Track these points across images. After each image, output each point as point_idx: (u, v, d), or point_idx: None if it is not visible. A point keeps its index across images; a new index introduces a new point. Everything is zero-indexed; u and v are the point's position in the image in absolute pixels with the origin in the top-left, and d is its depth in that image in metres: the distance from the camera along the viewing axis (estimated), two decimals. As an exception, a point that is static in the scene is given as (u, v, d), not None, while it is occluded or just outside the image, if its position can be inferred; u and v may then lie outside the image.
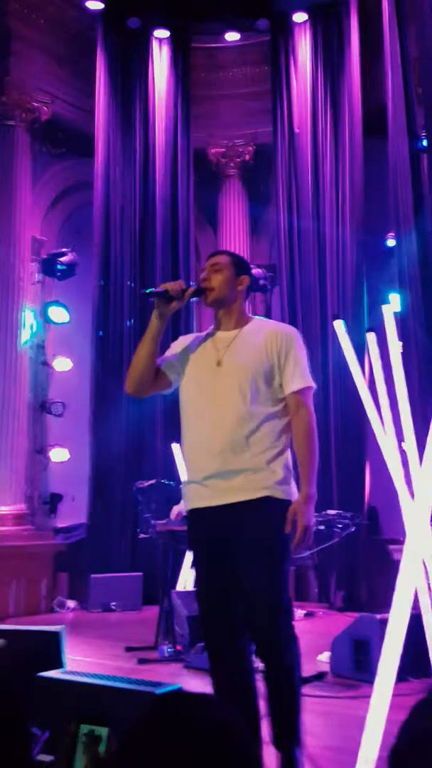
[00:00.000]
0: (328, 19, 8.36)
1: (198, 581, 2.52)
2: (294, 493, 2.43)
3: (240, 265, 2.62)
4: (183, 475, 2.64)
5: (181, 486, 2.65)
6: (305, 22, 8.45)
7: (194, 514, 2.48)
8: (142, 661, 4.77)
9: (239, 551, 2.36)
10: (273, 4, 8.46)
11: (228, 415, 2.39)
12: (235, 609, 2.40)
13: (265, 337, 2.49)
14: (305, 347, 2.56)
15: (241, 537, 2.36)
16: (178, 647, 4.91)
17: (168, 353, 2.64)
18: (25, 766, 1.04)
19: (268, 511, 2.35)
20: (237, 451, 2.36)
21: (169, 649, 4.87)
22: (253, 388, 2.40)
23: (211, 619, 2.44)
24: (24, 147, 8.30)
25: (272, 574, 2.34)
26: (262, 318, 2.73)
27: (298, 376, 2.45)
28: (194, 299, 2.58)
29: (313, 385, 2.51)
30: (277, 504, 2.37)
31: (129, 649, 5.13)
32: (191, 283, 2.57)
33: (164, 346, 2.67)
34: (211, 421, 2.41)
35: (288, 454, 2.46)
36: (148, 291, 2.53)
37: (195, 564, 2.53)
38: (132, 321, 8.22)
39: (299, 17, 8.44)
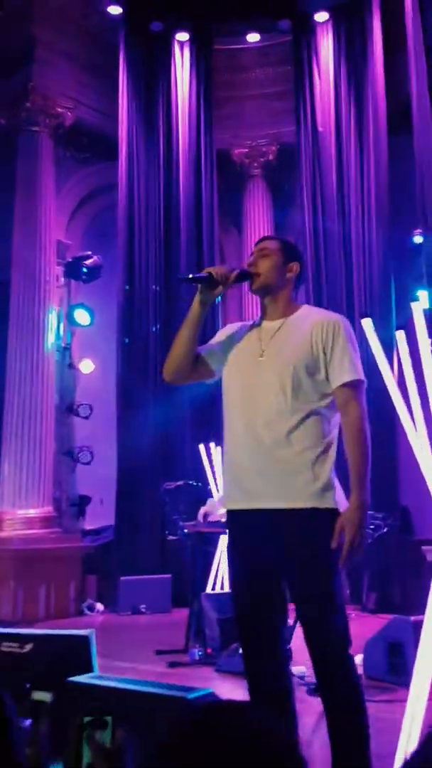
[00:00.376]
0: (350, 18, 8.31)
1: (234, 585, 2.40)
2: (341, 499, 2.26)
3: (290, 252, 2.47)
4: (223, 472, 2.50)
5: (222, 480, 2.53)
6: (327, 21, 8.41)
7: (233, 516, 2.37)
8: (172, 665, 4.75)
9: (283, 566, 2.25)
10: (294, 4, 8.42)
11: (268, 409, 2.27)
12: (274, 613, 2.29)
13: (310, 327, 2.33)
14: (355, 337, 2.39)
15: (284, 551, 2.23)
16: (209, 650, 4.88)
17: (212, 341, 2.52)
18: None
19: (314, 525, 2.20)
20: (276, 447, 2.23)
21: (199, 652, 4.85)
22: (295, 381, 2.26)
23: (247, 624, 2.33)
24: (48, 152, 8.37)
25: (324, 596, 2.19)
26: (311, 307, 2.55)
27: (347, 368, 2.28)
28: (238, 284, 2.41)
29: (364, 378, 2.34)
30: (324, 516, 2.21)
31: (159, 652, 5.11)
32: (235, 269, 2.40)
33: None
34: (250, 416, 2.30)
35: (333, 454, 2.30)
36: (190, 276, 2.40)
37: (231, 567, 2.43)
38: (158, 326, 8.23)
39: (321, 17, 8.40)
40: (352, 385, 2.29)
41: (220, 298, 2.42)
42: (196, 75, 8.81)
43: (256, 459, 2.27)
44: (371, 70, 8.06)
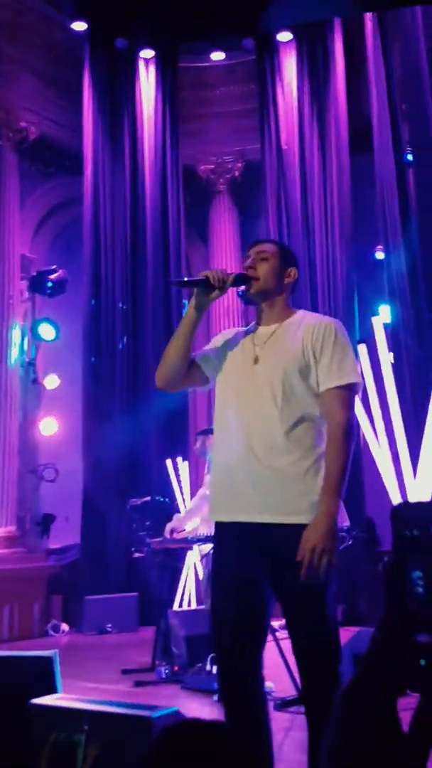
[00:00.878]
0: (313, 39, 8.44)
1: (219, 600, 2.30)
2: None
3: (288, 256, 2.41)
4: (212, 481, 2.40)
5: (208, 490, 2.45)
6: (290, 41, 8.53)
7: (222, 528, 2.29)
8: (138, 684, 4.69)
9: (274, 583, 2.20)
10: (258, 23, 8.54)
11: (261, 416, 2.21)
12: (256, 629, 2.24)
13: (303, 330, 2.27)
14: (348, 340, 2.32)
15: (276, 568, 2.18)
16: (176, 668, 4.83)
17: (207, 347, 2.46)
18: None
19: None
20: (269, 455, 2.17)
21: (166, 670, 4.80)
22: (287, 386, 2.20)
23: (226, 638, 2.25)
24: (12, 166, 8.33)
25: (319, 614, 2.14)
26: (306, 311, 2.46)
27: (335, 371, 2.20)
28: (235, 288, 2.34)
29: (357, 380, 2.25)
30: None
31: (125, 671, 5.05)
32: (232, 272, 2.33)
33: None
34: (241, 422, 2.23)
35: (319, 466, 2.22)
36: (185, 279, 2.32)
37: (217, 579, 2.31)
38: (124, 341, 8.22)
39: (284, 36, 8.52)
40: (340, 390, 2.21)
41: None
42: (161, 92, 8.85)
43: (249, 467, 2.20)
44: (333, 89, 8.19)
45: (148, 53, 8.79)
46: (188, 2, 8.78)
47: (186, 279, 2.28)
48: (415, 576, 0.72)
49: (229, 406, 2.32)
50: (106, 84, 8.67)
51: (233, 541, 2.25)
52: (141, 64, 8.82)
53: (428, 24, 5.71)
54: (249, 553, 2.21)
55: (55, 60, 8.77)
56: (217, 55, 9.06)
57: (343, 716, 0.78)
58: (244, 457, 2.22)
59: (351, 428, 2.20)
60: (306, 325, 2.29)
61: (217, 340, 2.47)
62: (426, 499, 2.82)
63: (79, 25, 8.38)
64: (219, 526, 2.32)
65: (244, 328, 2.47)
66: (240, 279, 2.31)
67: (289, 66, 8.55)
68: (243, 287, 2.35)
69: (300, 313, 2.39)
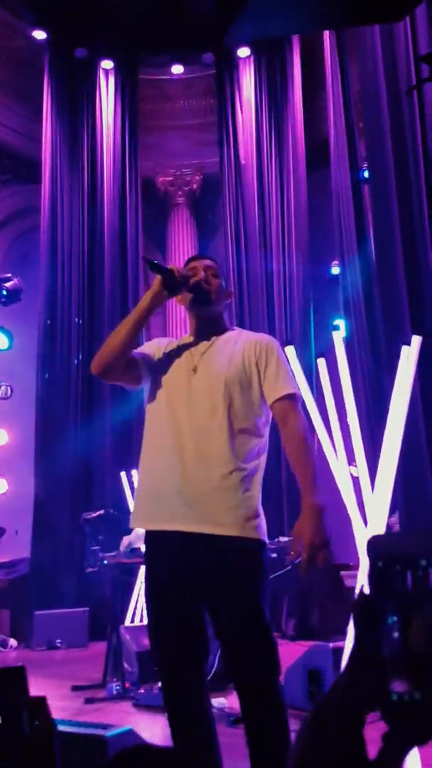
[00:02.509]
0: (271, 54, 8.55)
1: (153, 612, 2.28)
2: (263, 528, 2.22)
3: (224, 278, 2.51)
4: (138, 489, 2.39)
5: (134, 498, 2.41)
6: (249, 56, 8.62)
7: (152, 537, 2.28)
8: (89, 701, 4.59)
9: (205, 594, 2.18)
10: (217, 39, 8.60)
11: (195, 425, 2.21)
12: (195, 642, 2.21)
13: (242, 346, 2.33)
14: (286, 356, 2.43)
15: (206, 578, 2.16)
16: (127, 684, 4.75)
17: (142, 348, 2.46)
18: None
19: (240, 556, 2.15)
20: (203, 464, 2.17)
21: (117, 687, 4.71)
22: (227, 398, 2.23)
23: (166, 654, 2.23)
24: (-33, 173, 8.20)
25: (251, 625, 2.13)
26: (242, 329, 2.53)
27: (281, 382, 2.27)
28: (190, 292, 2.36)
29: (299, 392, 2.34)
30: (251, 547, 2.17)
31: (75, 688, 4.95)
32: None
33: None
34: (175, 430, 2.24)
35: (260, 479, 2.27)
36: (155, 262, 2.31)
37: (149, 592, 2.29)
38: (80, 357, 8.14)
39: (243, 52, 8.61)
40: (290, 398, 2.27)
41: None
42: (120, 102, 8.84)
43: (178, 476, 2.19)
44: (291, 105, 8.31)
45: (108, 64, 8.78)
46: (148, 15, 8.81)
47: (155, 262, 2.29)
48: (391, 621, 0.70)
49: (162, 414, 2.31)
50: (66, 93, 8.63)
51: (163, 550, 2.23)
52: (101, 74, 8.80)
53: (386, 42, 5.81)
54: (179, 563, 2.19)
55: (14, 67, 8.71)
56: (177, 69, 9.12)
57: (308, 739, 0.76)
58: (174, 466, 2.20)
59: (307, 430, 2.29)
60: (245, 341, 2.35)
61: (151, 345, 2.48)
62: (383, 516, 2.83)
63: (39, 34, 8.34)
64: (148, 534, 2.31)
65: (176, 340, 2.48)
66: (196, 288, 2.33)
67: (248, 81, 8.64)
68: (192, 296, 2.36)
69: (236, 330, 2.46)
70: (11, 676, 0.59)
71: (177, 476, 2.20)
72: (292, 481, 2.20)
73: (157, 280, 2.32)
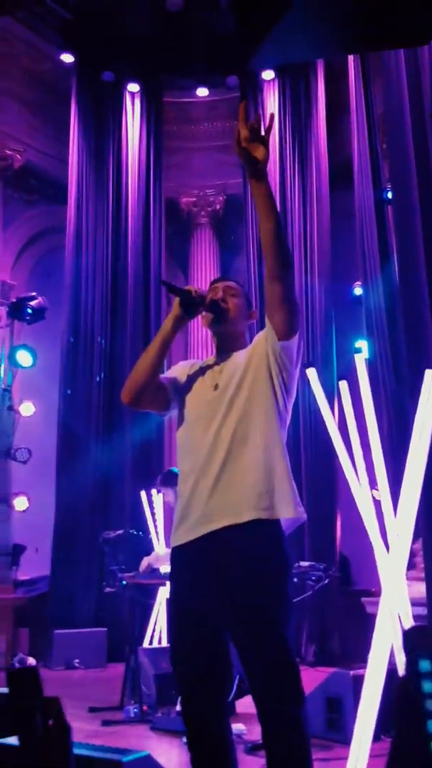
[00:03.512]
0: (295, 78, 8.61)
1: (173, 640, 2.25)
2: (286, 509, 2.15)
3: (248, 299, 2.49)
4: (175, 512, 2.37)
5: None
6: (273, 79, 8.69)
7: (174, 554, 2.27)
8: (106, 723, 4.55)
9: (227, 611, 2.12)
10: (242, 62, 8.69)
11: (221, 444, 2.20)
12: (214, 673, 2.17)
13: (250, 347, 2.35)
14: None
15: (227, 587, 2.11)
16: (145, 707, 4.71)
17: (168, 373, 2.46)
18: None
19: (256, 538, 2.12)
20: (230, 487, 2.16)
21: (135, 710, 4.67)
22: (248, 411, 2.22)
23: (186, 677, 2.19)
24: (-5, 193, 8.34)
25: (275, 652, 2.06)
26: None
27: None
28: (209, 312, 2.36)
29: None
30: (265, 527, 2.12)
31: (92, 709, 4.91)
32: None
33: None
34: (201, 453, 2.22)
35: (283, 471, 2.21)
36: (171, 284, 2.34)
37: (170, 621, 2.30)
38: (101, 375, 8.18)
39: (267, 75, 8.69)
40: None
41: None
42: (146, 125, 8.95)
43: (206, 499, 2.18)
44: (314, 127, 8.34)
45: (134, 87, 8.90)
46: (174, 39, 8.94)
47: (172, 284, 2.31)
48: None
49: (189, 436, 2.31)
50: (93, 115, 8.76)
51: (184, 563, 2.22)
52: (127, 97, 8.92)
53: (411, 64, 5.82)
54: (200, 576, 2.15)
55: (42, 90, 8.87)
56: (202, 92, 9.22)
57: None
58: (201, 490, 2.20)
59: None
60: (251, 345, 2.36)
61: (177, 369, 2.48)
62: (406, 542, 2.79)
63: (67, 57, 8.49)
64: (173, 552, 2.28)
65: (200, 361, 2.49)
66: (213, 306, 2.34)
67: (272, 104, 8.70)
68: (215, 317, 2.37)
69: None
70: (24, 677, 0.57)
71: (204, 498, 2.19)
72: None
73: (176, 302, 2.34)
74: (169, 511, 5.95)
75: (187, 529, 2.21)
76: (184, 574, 2.23)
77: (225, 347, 2.41)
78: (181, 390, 2.40)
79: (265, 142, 2.18)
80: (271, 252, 2.20)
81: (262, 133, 2.21)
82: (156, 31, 8.94)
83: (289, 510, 2.16)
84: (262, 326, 2.35)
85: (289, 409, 2.32)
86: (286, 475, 2.20)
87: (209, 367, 2.39)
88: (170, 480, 5.14)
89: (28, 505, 8.19)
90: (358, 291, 7.69)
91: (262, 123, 2.22)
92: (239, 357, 2.35)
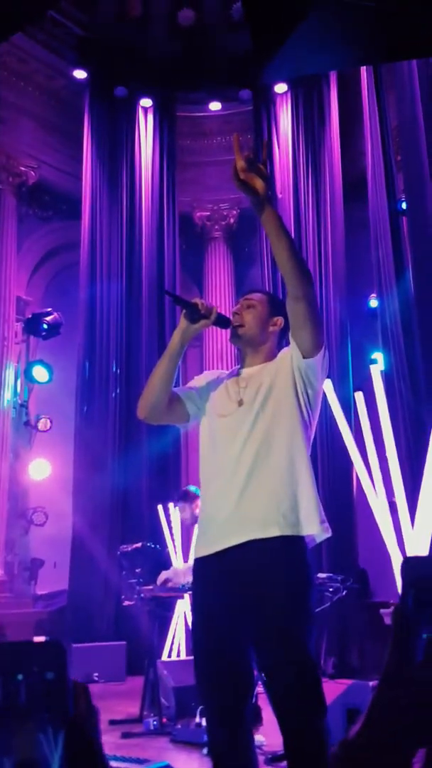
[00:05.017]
0: (308, 90, 8.64)
1: (196, 652, 2.25)
2: (311, 525, 2.15)
3: (276, 306, 2.43)
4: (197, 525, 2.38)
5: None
6: (286, 92, 8.73)
7: (197, 564, 2.27)
8: (126, 735, 4.55)
9: (250, 622, 2.13)
10: (255, 76, 8.75)
11: (246, 458, 2.19)
12: (237, 683, 2.17)
13: (276, 362, 2.34)
14: None
15: (251, 600, 2.11)
16: (164, 720, 4.69)
17: (190, 383, 2.47)
18: None
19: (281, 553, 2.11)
20: (254, 500, 2.15)
21: (154, 722, 4.66)
22: (271, 427, 2.21)
23: (208, 695, 2.20)
24: (11, 210, 8.42)
25: (296, 665, 2.06)
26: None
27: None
28: (220, 327, 2.37)
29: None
30: (290, 543, 2.11)
31: (113, 722, 4.90)
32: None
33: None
34: (224, 467, 2.22)
35: (309, 464, 2.23)
36: (177, 296, 2.36)
37: (193, 634, 2.28)
38: (117, 391, 8.20)
39: (280, 88, 8.72)
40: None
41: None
42: (159, 139, 9.01)
43: (227, 513, 2.18)
44: (328, 140, 8.36)
45: (147, 102, 8.97)
46: (187, 54, 9.02)
47: (177, 296, 2.32)
48: (426, 637, 0.70)
49: (212, 449, 2.31)
50: (106, 131, 8.83)
51: (207, 576, 2.21)
52: (140, 112, 8.99)
53: (424, 75, 5.86)
54: (222, 589, 2.15)
55: (55, 106, 8.96)
56: (215, 105, 9.28)
57: None
58: (222, 506, 2.20)
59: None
60: (275, 361, 2.35)
61: (200, 380, 2.48)
62: (424, 552, 2.77)
63: (80, 73, 8.57)
64: (196, 564, 2.28)
65: (227, 371, 2.49)
66: (221, 320, 2.34)
67: (285, 117, 8.73)
68: (231, 333, 2.39)
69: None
70: (51, 650, 0.56)
71: (228, 511, 2.19)
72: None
73: (182, 314, 2.35)
74: (184, 528, 5.96)
75: (211, 542, 2.21)
76: (206, 586, 2.23)
77: (249, 359, 2.41)
78: (203, 402, 2.40)
79: (261, 172, 2.18)
80: (290, 273, 2.19)
81: (261, 160, 2.22)
82: (168, 46, 9.03)
83: (314, 527, 2.17)
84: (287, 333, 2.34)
85: (313, 425, 2.32)
86: (312, 491, 2.20)
87: (234, 380, 2.39)
88: (186, 498, 5.16)
89: (46, 519, 8.22)
90: (373, 303, 7.68)
91: (259, 152, 2.23)
92: (265, 371, 2.34)
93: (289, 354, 2.30)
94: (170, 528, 6.65)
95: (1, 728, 0.58)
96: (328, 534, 2.21)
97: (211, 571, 2.20)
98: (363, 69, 7.23)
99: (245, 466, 2.20)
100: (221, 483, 2.23)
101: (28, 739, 0.59)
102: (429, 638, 0.71)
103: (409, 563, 0.74)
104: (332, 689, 4.93)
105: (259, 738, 3.90)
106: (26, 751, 0.58)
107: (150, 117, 9.03)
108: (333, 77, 8.43)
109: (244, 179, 2.17)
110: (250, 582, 2.11)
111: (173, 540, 6.52)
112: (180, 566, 5.53)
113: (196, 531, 2.35)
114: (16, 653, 0.61)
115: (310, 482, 2.20)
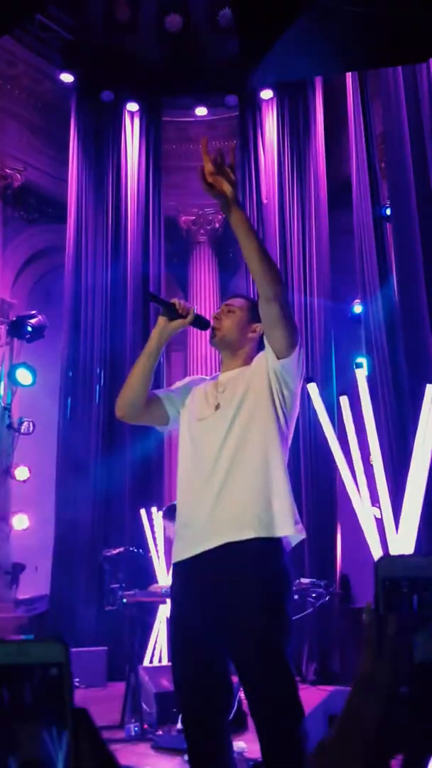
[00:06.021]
0: (294, 96, 8.69)
1: (173, 658, 2.26)
2: (285, 527, 2.14)
3: (257, 312, 2.36)
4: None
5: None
6: (272, 98, 8.77)
7: (175, 569, 2.27)
8: (107, 742, 4.51)
9: (226, 627, 2.11)
10: (241, 81, 8.78)
11: (222, 463, 2.19)
12: (214, 690, 2.16)
13: (252, 366, 2.34)
14: None
15: (225, 604, 2.10)
16: (146, 726, 4.66)
17: (172, 387, 2.49)
18: None
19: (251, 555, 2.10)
20: (229, 504, 2.15)
21: (135, 728, 4.62)
22: (247, 432, 2.21)
23: (186, 701, 2.19)
24: (-5, 212, 8.38)
25: (271, 670, 2.05)
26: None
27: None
28: (198, 328, 2.38)
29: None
30: (265, 544, 2.11)
31: (93, 729, 4.86)
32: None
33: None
34: (201, 471, 2.23)
35: (286, 487, 2.19)
36: (156, 296, 2.38)
37: (170, 639, 2.29)
38: (101, 394, 8.18)
39: (266, 94, 8.76)
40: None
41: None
42: (145, 144, 9.02)
43: (205, 518, 2.18)
44: (313, 146, 8.41)
45: (133, 106, 8.97)
46: (174, 59, 9.04)
47: (157, 296, 2.34)
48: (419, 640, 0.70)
49: (189, 453, 2.31)
50: (92, 135, 8.82)
51: (184, 579, 2.21)
52: (126, 117, 8.99)
53: (408, 83, 5.90)
54: (199, 593, 2.15)
55: (42, 109, 8.94)
56: (201, 111, 9.30)
57: None
58: (198, 508, 2.20)
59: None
60: (252, 365, 2.35)
61: (182, 383, 2.50)
62: (409, 552, 2.78)
63: (67, 77, 8.56)
64: (174, 568, 2.28)
65: (210, 377, 2.50)
66: (199, 321, 2.36)
67: (271, 122, 8.76)
68: (210, 335, 2.40)
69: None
70: (54, 647, 0.56)
71: (204, 515, 2.19)
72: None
73: (159, 318, 2.37)
74: (168, 544, 5.94)
75: (187, 545, 2.21)
76: (184, 590, 2.23)
77: (227, 363, 2.42)
78: (182, 403, 2.41)
79: (228, 175, 2.19)
80: (260, 274, 2.18)
81: (228, 164, 2.24)
82: (155, 52, 9.05)
83: (288, 528, 2.16)
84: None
85: (291, 427, 2.32)
86: (286, 493, 2.19)
87: (213, 384, 2.41)
88: (171, 514, 5.14)
89: (27, 523, 8.16)
90: (357, 308, 7.72)
91: (225, 155, 2.24)
92: (242, 375, 2.35)
93: (264, 357, 2.30)
94: (153, 532, 6.63)
95: (6, 726, 0.58)
96: (303, 535, 2.20)
97: (188, 574, 2.20)
98: (348, 76, 7.27)
99: (221, 470, 2.20)
100: (198, 487, 2.24)
101: (32, 738, 0.58)
102: (400, 641, 0.72)
103: (380, 563, 0.74)
104: (314, 696, 4.92)
105: (240, 744, 3.88)
106: (31, 749, 0.58)
107: (136, 121, 9.03)
108: (318, 84, 8.48)
109: (212, 182, 2.17)
110: (225, 585, 2.10)
111: (156, 544, 6.50)
112: (163, 582, 5.50)
113: (176, 533, 2.34)
114: (19, 650, 0.60)
115: (284, 484, 2.20)
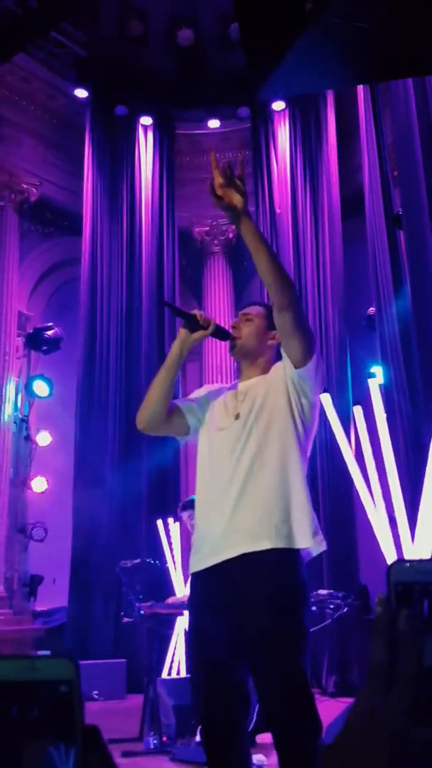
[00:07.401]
0: (305, 107, 8.73)
1: (191, 671, 2.32)
2: (303, 538, 2.13)
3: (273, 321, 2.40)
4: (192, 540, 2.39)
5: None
6: (284, 110, 8.82)
7: (192, 580, 2.28)
8: (126, 754, 4.51)
9: (242, 635, 2.13)
10: (253, 94, 8.83)
11: (240, 471, 2.19)
12: (232, 702, 2.16)
13: (270, 374, 2.34)
14: None
15: (241, 614, 2.11)
16: (164, 738, 4.66)
17: (191, 396, 2.50)
18: None
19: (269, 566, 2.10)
20: (248, 511, 2.15)
21: (154, 741, 4.63)
22: (266, 439, 2.21)
23: (204, 712, 2.20)
24: (13, 226, 8.49)
25: (287, 678, 2.06)
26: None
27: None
28: (218, 339, 2.39)
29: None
30: (282, 555, 2.10)
31: (112, 741, 4.85)
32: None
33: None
34: (219, 480, 2.22)
35: (304, 480, 2.21)
36: (176, 306, 2.39)
37: (188, 652, 2.32)
38: (118, 405, 8.21)
39: (278, 106, 8.82)
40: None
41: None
42: (159, 157, 9.09)
43: (222, 527, 2.18)
44: (325, 157, 8.43)
45: (147, 120, 9.06)
46: (186, 73, 9.12)
47: (176, 307, 2.35)
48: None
49: (207, 462, 2.32)
50: (106, 149, 8.91)
51: (201, 590, 2.22)
52: (140, 130, 9.07)
53: (419, 92, 5.91)
54: (217, 604, 2.14)
55: (56, 125, 9.05)
56: (213, 123, 9.37)
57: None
58: (217, 519, 2.20)
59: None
60: (271, 374, 2.36)
61: (200, 392, 2.50)
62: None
63: (81, 93, 8.66)
64: (191, 578, 2.28)
65: (227, 385, 2.50)
66: (220, 332, 2.36)
67: (283, 134, 8.81)
68: (229, 345, 2.42)
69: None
70: (64, 663, 0.56)
71: (221, 526, 2.19)
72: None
73: (181, 326, 2.38)
74: (188, 535, 5.94)
75: (205, 556, 2.21)
76: (201, 600, 2.23)
77: (246, 372, 2.43)
78: (203, 413, 2.41)
79: (239, 186, 2.20)
80: (273, 284, 2.19)
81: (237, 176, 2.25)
82: (167, 65, 9.13)
83: (307, 540, 2.16)
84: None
85: (310, 439, 2.31)
86: (305, 505, 2.19)
87: (232, 393, 2.40)
88: (190, 506, 5.13)
89: (45, 534, 8.20)
90: (372, 317, 7.70)
91: (234, 167, 2.24)
92: (260, 384, 2.35)
93: (282, 366, 2.31)
94: (170, 543, 6.63)
95: (13, 743, 0.59)
96: (323, 547, 2.19)
97: (205, 585, 2.20)
98: (359, 87, 7.29)
99: (239, 480, 2.20)
100: (216, 497, 2.24)
101: (40, 754, 0.59)
102: (410, 640, 0.72)
103: (393, 567, 0.74)
104: (334, 708, 4.89)
105: (259, 758, 3.87)
106: (38, 766, 0.59)
107: (150, 135, 9.11)
108: (330, 95, 8.52)
109: (221, 195, 2.18)
110: (242, 596, 2.10)
111: (173, 555, 6.50)
112: (180, 594, 5.50)
113: (193, 545, 2.35)
114: (28, 666, 0.61)
115: (303, 494, 2.20)
